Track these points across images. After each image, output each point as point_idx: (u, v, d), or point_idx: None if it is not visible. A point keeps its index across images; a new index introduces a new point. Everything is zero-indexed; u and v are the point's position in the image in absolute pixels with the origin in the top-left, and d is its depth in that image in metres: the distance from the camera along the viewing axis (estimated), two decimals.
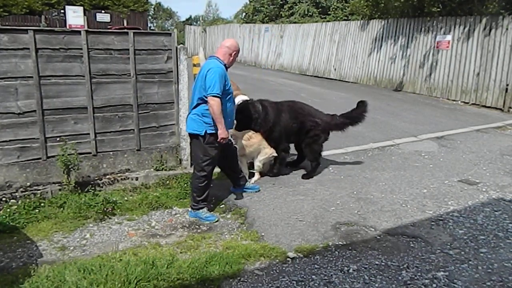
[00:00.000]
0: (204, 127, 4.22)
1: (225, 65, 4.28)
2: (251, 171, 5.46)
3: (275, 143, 5.34)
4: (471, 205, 4.61)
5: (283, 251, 3.62)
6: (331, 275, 3.28)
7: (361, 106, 5.51)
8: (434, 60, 12.23)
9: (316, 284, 3.16)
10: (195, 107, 4.29)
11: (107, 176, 5.13)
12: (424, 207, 4.56)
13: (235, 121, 4.85)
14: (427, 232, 3.99)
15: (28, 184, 4.70)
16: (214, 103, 4.06)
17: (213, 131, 4.23)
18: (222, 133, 4.19)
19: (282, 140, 5.37)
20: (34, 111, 4.66)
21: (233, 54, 4.35)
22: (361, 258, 3.53)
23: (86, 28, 19.97)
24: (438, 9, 12.38)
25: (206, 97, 4.11)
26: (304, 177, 5.44)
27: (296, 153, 5.86)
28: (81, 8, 22.97)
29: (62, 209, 4.46)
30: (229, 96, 4.32)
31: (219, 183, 5.13)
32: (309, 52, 17.70)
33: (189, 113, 4.42)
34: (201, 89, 4.19)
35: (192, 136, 4.38)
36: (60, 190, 4.76)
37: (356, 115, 5.52)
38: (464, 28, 11.43)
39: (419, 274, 3.29)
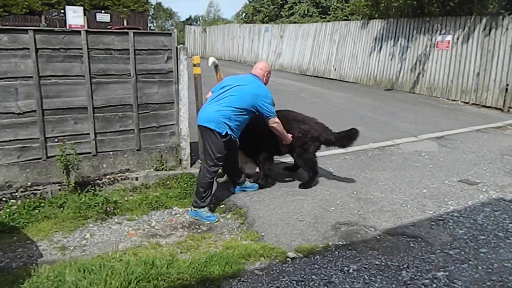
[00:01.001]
0: (226, 129, 4.32)
1: None
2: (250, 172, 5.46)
3: (252, 155, 5.14)
4: (471, 205, 4.62)
5: (283, 251, 3.62)
6: (331, 275, 3.28)
7: (354, 132, 5.06)
8: (434, 60, 12.23)
9: (316, 284, 3.16)
10: (220, 108, 4.35)
11: (107, 176, 5.13)
12: (424, 207, 4.56)
13: None
14: (427, 232, 3.99)
15: (28, 184, 4.70)
16: (278, 124, 4.62)
17: (231, 134, 4.38)
18: (287, 141, 4.83)
19: (261, 152, 5.05)
20: (34, 111, 4.66)
21: (266, 74, 4.73)
22: (361, 258, 3.53)
23: (86, 28, 19.97)
24: (438, 9, 12.38)
25: (267, 118, 4.53)
26: (300, 186, 5.14)
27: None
28: (81, 8, 22.97)
29: (62, 209, 4.46)
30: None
31: (219, 183, 5.12)
32: (309, 52, 17.70)
33: (210, 108, 4.40)
34: (247, 106, 4.39)
35: (210, 131, 4.31)
36: (60, 190, 4.77)
37: (347, 138, 5.09)
38: (464, 28, 11.43)
39: (419, 274, 3.29)
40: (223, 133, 4.32)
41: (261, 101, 4.46)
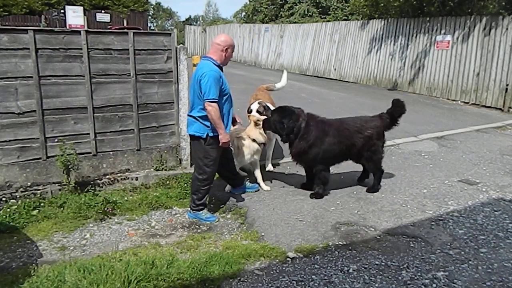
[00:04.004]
0: (205, 130, 4.18)
1: (219, 65, 4.18)
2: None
3: (309, 165, 4.89)
4: (471, 205, 4.62)
5: (283, 251, 3.62)
6: (331, 275, 3.28)
7: (398, 102, 5.05)
8: (434, 60, 12.22)
9: (316, 284, 3.16)
10: (194, 110, 4.25)
11: (107, 176, 5.14)
12: (424, 207, 4.56)
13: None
14: (427, 232, 3.99)
15: (28, 184, 4.70)
16: (212, 109, 4.00)
17: (215, 134, 4.19)
18: (223, 137, 4.15)
19: (318, 163, 4.75)
20: (34, 111, 4.67)
21: (225, 49, 4.16)
22: (361, 258, 3.53)
23: (86, 28, 19.97)
24: (438, 9, 12.38)
25: (204, 103, 4.05)
26: (369, 190, 4.98)
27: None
28: (81, 8, 23.00)
29: (62, 209, 4.47)
30: (226, 97, 4.26)
31: (219, 183, 5.12)
32: (309, 52, 17.70)
33: (188, 114, 4.39)
34: (197, 93, 4.12)
35: (193, 138, 4.32)
36: (60, 190, 4.77)
37: (398, 109, 5.00)
38: (464, 28, 11.43)
39: (419, 274, 3.29)
40: (204, 136, 4.19)
41: (201, 82, 4.01)
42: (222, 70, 4.23)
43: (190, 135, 4.40)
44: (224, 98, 4.22)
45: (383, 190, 5.04)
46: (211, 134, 4.18)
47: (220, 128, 4.10)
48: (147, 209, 4.60)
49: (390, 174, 5.63)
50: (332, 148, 4.70)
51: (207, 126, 4.17)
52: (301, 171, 5.62)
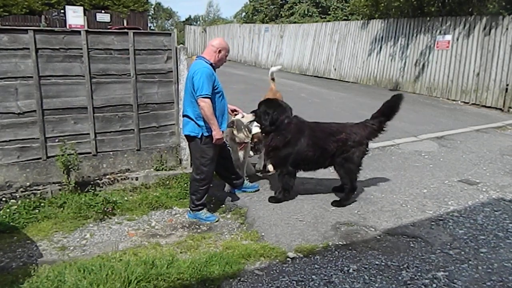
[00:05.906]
0: (200, 129, 4.20)
1: (211, 64, 4.23)
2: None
3: (277, 164, 4.78)
4: (471, 205, 4.62)
5: (283, 251, 3.62)
6: (331, 275, 3.28)
7: (395, 97, 4.83)
8: (434, 60, 12.23)
9: (316, 284, 3.16)
10: (188, 109, 4.27)
11: (107, 176, 5.13)
12: (424, 207, 4.56)
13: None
14: (427, 232, 3.99)
15: (28, 184, 4.70)
16: (205, 105, 4.02)
17: (209, 133, 4.20)
18: (216, 134, 4.15)
19: (286, 165, 4.62)
20: (34, 111, 4.66)
21: (218, 51, 4.25)
22: (361, 258, 3.53)
23: (86, 28, 19.98)
24: (438, 9, 12.39)
25: (197, 100, 4.08)
26: (333, 204, 4.63)
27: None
28: (81, 8, 23.01)
29: (62, 209, 4.47)
30: (219, 95, 4.27)
31: (219, 183, 5.12)
32: (309, 52, 17.70)
33: (183, 114, 4.39)
34: (190, 92, 4.15)
35: (189, 138, 4.33)
36: (60, 190, 4.77)
37: (390, 105, 4.77)
38: (464, 28, 11.43)
39: (419, 274, 3.29)
40: (199, 136, 4.21)
41: (194, 79, 4.07)
42: (214, 70, 4.27)
43: (185, 135, 4.39)
44: (217, 96, 4.24)
45: (383, 190, 5.04)
46: (206, 134, 4.20)
47: (213, 124, 4.11)
48: (147, 209, 4.60)
49: (390, 174, 5.63)
50: (304, 151, 4.52)
51: (202, 126, 4.19)
52: (300, 172, 5.63)
